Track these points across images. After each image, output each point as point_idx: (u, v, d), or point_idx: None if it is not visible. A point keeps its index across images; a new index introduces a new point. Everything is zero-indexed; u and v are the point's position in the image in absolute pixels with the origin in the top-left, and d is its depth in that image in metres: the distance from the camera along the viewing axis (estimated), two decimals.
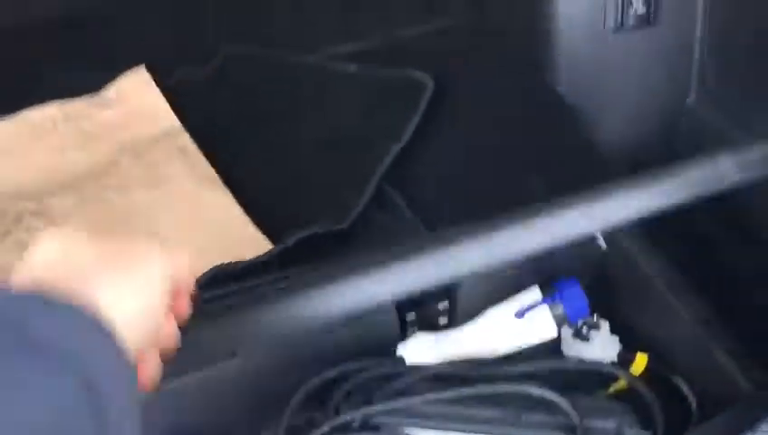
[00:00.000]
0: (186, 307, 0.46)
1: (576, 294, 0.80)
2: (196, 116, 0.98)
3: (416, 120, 0.93)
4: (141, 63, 1.02)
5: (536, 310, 0.80)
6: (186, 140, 0.95)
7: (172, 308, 0.43)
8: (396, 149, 0.90)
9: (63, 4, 1.04)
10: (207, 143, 0.94)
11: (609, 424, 0.70)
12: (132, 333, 0.36)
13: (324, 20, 1.04)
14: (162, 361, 0.43)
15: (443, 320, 0.83)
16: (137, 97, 1.00)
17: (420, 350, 0.79)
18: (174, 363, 0.44)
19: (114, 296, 0.36)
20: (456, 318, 0.82)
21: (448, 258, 0.54)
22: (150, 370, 0.42)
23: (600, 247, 0.82)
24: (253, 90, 1.00)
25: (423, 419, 0.71)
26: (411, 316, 0.81)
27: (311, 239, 0.79)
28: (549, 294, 0.81)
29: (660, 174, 0.60)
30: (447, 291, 0.82)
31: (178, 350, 0.45)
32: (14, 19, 0.99)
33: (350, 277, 0.53)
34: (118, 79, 1.01)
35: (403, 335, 0.81)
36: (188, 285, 0.46)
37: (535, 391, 0.70)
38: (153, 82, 1.00)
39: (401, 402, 0.71)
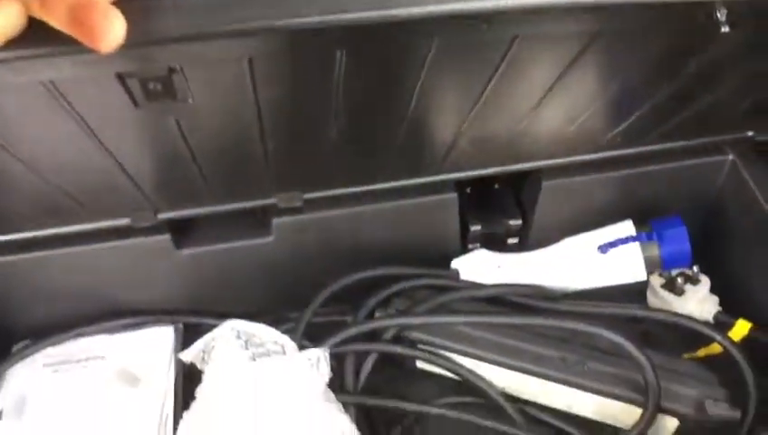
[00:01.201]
0: None
1: (678, 237, 0.67)
2: None
3: None
4: None
5: (625, 247, 0.67)
6: None
7: None
8: None
9: None
10: None
11: (690, 392, 0.58)
12: None
13: None
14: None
15: (512, 240, 0.72)
16: None
17: (479, 268, 0.68)
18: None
19: None
20: (529, 241, 0.71)
21: None
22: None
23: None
24: None
25: (465, 343, 0.60)
26: (476, 228, 0.69)
27: None
28: (644, 231, 0.67)
29: None
30: (523, 208, 0.70)
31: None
32: None
33: None
34: None
35: (464, 249, 0.70)
36: None
37: (610, 335, 0.57)
38: None
39: (445, 319, 0.60)
